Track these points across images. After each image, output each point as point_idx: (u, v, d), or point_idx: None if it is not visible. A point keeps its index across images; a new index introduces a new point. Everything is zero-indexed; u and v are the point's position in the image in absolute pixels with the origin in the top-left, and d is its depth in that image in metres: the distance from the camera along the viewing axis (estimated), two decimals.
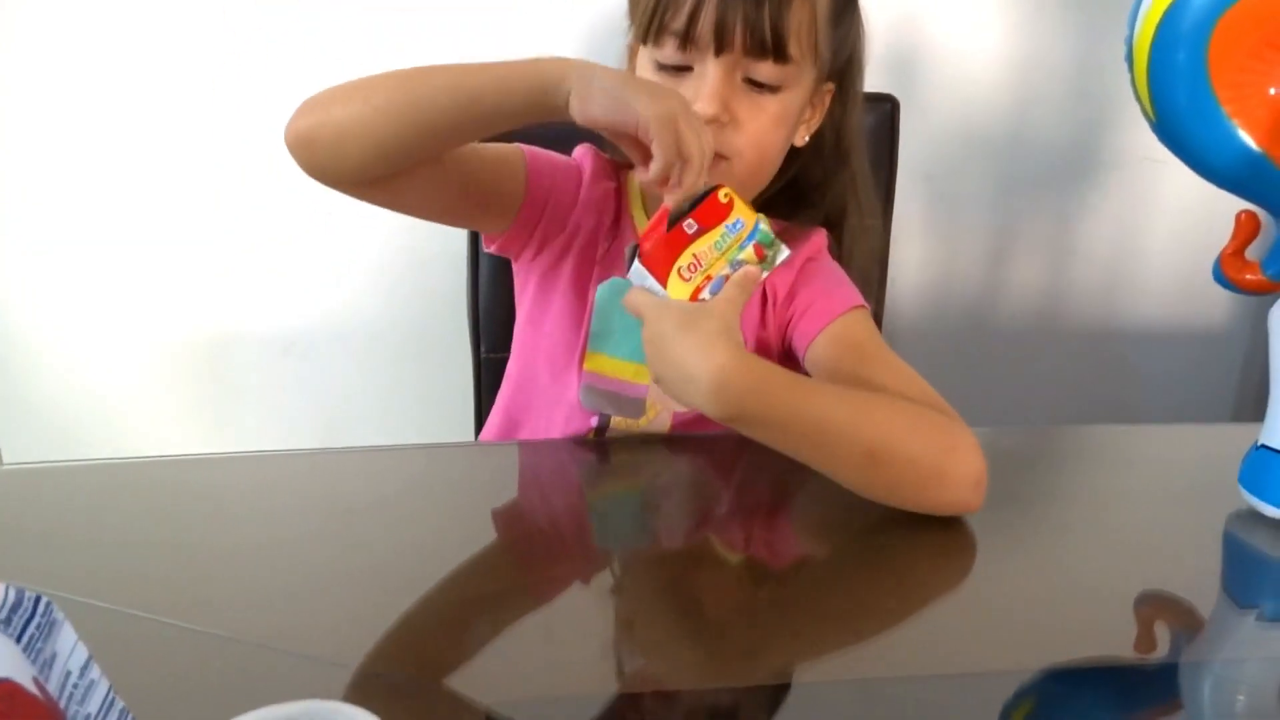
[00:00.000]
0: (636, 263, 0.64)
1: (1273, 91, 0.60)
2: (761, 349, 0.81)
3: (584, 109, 0.63)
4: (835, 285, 0.80)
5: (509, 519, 0.67)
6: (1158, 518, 0.68)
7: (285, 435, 1.39)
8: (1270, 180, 0.61)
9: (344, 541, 0.61)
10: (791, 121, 0.76)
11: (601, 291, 0.76)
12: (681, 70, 0.72)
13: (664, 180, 0.64)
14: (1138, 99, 0.64)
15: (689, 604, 0.55)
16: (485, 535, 0.64)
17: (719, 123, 0.71)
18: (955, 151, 1.42)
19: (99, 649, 0.33)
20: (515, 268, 0.86)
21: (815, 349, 0.76)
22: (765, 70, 0.71)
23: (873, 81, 1.33)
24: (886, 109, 1.06)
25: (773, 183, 0.80)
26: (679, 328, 0.60)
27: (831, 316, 0.76)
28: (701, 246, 0.64)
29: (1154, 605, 0.57)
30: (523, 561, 0.61)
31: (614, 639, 0.52)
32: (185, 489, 0.68)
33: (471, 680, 0.46)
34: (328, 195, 1.28)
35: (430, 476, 0.72)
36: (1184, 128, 0.62)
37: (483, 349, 1.07)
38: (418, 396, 1.35)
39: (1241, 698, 0.48)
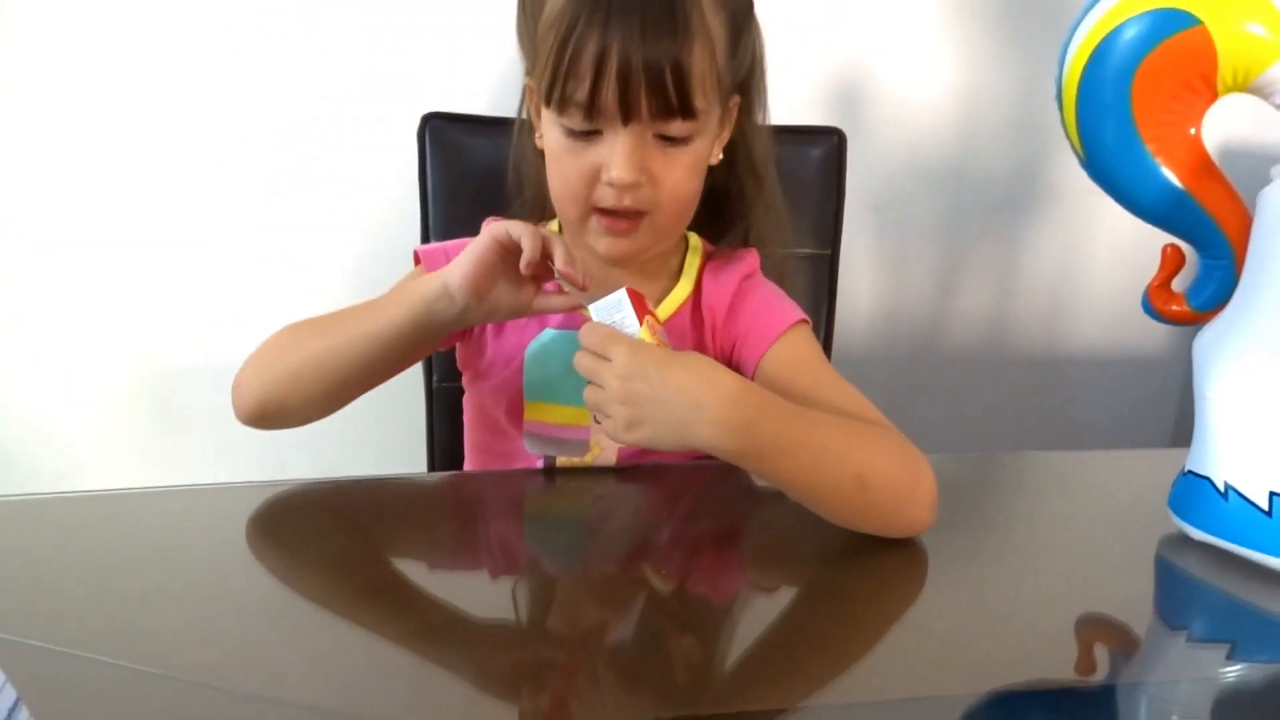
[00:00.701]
0: (619, 295, 0.64)
1: (1193, 131, 0.63)
2: None
3: (458, 283, 0.68)
4: (776, 302, 0.82)
5: (459, 550, 0.67)
6: (1094, 541, 0.69)
7: (235, 467, 1.37)
8: (1192, 216, 0.64)
9: (286, 577, 0.60)
10: (705, 162, 0.77)
11: (532, 347, 0.78)
12: (591, 134, 0.71)
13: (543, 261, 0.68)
14: (1068, 137, 0.67)
15: (629, 636, 0.55)
16: (434, 566, 0.64)
17: (638, 184, 0.71)
18: (902, 183, 1.45)
19: (29, 689, 0.32)
20: None
21: (766, 368, 0.77)
22: (675, 127, 0.71)
23: (820, 115, 1.37)
24: (834, 141, 1.09)
25: None
26: (670, 361, 0.61)
27: (776, 334, 0.78)
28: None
29: (1093, 628, 0.58)
30: (474, 593, 0.61)
31: (547, 674, 0.52)
32: (123, 524, 0.66)
33: (416, 716, 0.46)
34: (279, 229, 1.29)
35: (379, 509, 0.72)
36: (1111, 166, 0.65)
37: (435, 378, 1.07)
38: (370, 427, 1.33)
39: (1175, 718, 0.49)
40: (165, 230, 1.29)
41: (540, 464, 0.79)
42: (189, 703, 0.45)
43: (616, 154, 0.70)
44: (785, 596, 0.61)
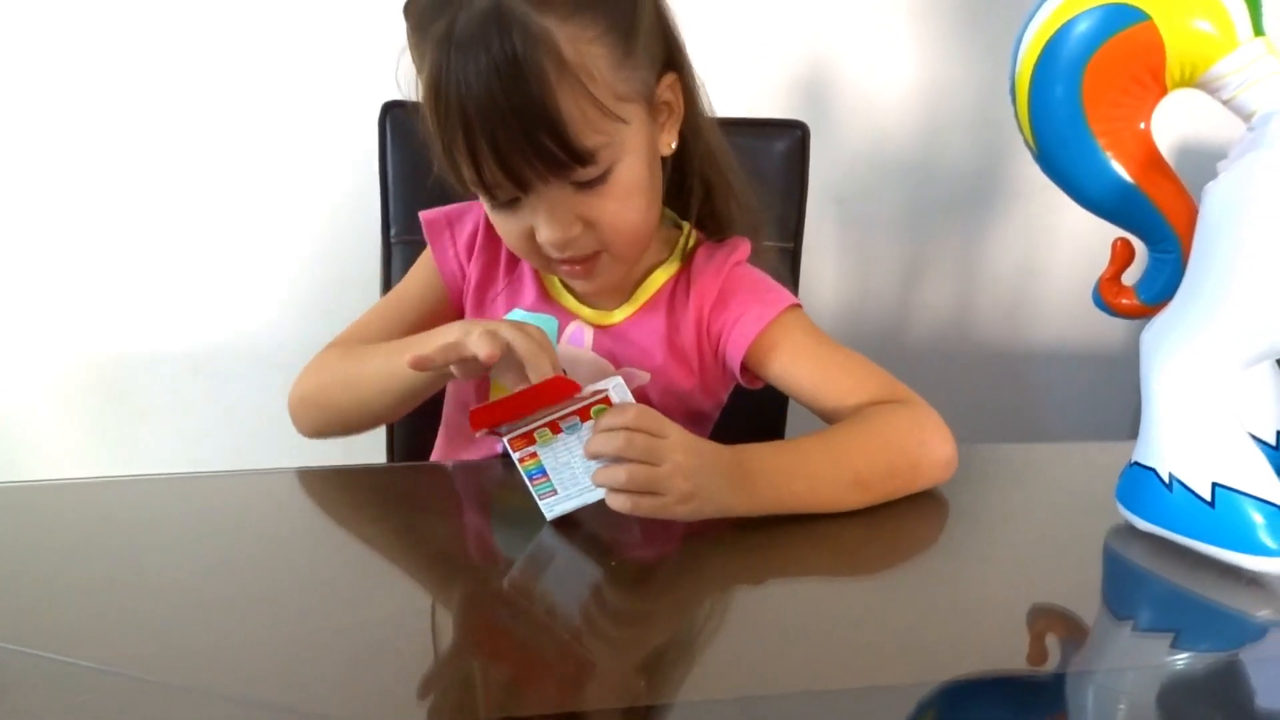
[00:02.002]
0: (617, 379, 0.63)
1: (1142, 126, 0.63)
2: (678, 359, 0.82)
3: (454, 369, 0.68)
4: (765, 289, 0.82)
5: (420, 540, 0.67)
6: (1046, 532, 0.70)
7: (193, 458, 1.35)
8: (1141, 210, 0.64)
9: (245, 568, 0.59)
10: (644, 175, 0.73)
11: (513, 315, 0.77)
12: (513, 202, 0.70)
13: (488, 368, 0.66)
14: (1020, 131, 0.67)
15: (581, 624, 0.55)
16: (394, 558, 0.63)
17: (571, 236, 0.71)
18: (866, 176, 1.46)
19: None
20: None
21: (759, 355, 0.78)
22: (580, 173, 0.68)
23: (784, 107, 1.37)
24: (797, 135, 1.09)
25: None
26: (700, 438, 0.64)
27: (766, 322, 0.78)
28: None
29: (1044, 618, 0.58)
30: (438, 581, 0.61)
31: (491, 665, 0.51)
32: (74, 514, 0.65)
33: (361, 709, 0.46)
34: (238, 217, 1.28)
35: (338, 499, 0.71)
36: (1062, 160, 0.65)
37: None
38: None
39: (1122, 706, 0.50)
40: (122, 217, 1.27)
41: (499, 449, 0.78)
42: (132, 697, 0.45)
43: (539, 217, 0.70)
44: (736, 586, 0.62)
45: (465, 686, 0.48)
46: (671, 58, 0.76)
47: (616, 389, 0.61)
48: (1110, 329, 1.63)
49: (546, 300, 0.83)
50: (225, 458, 1.37)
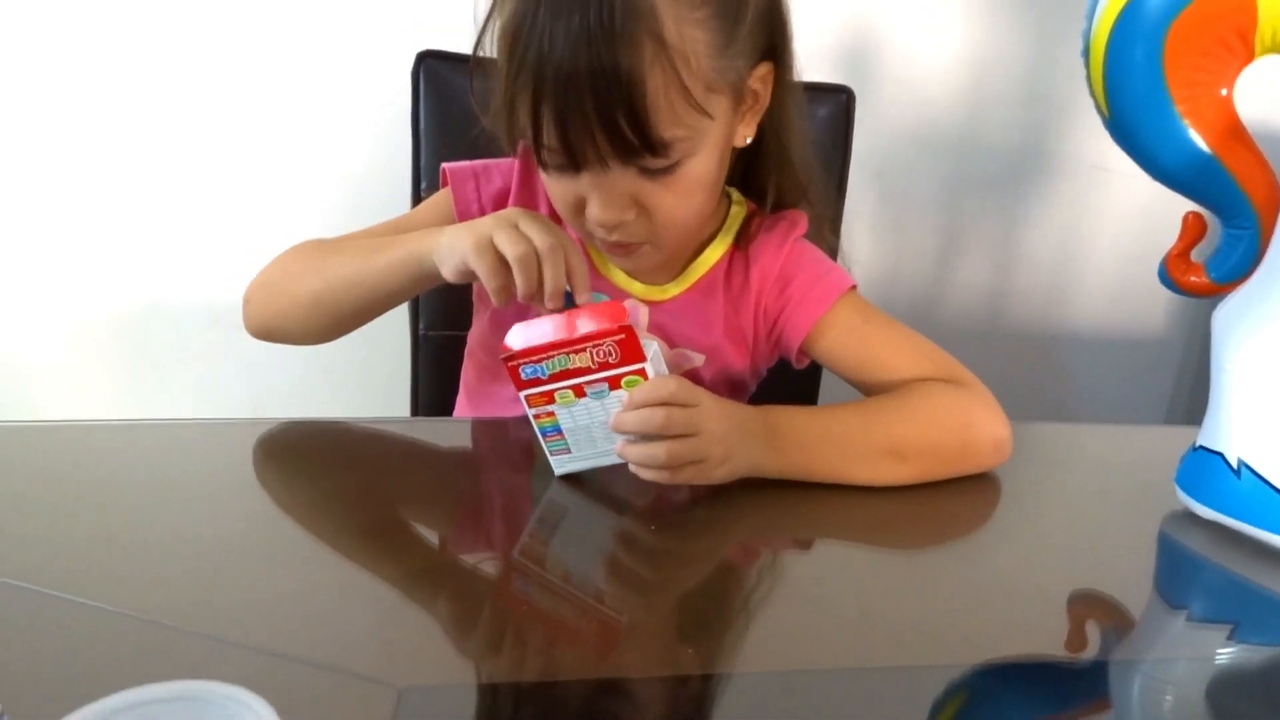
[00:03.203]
0: (653, 347, 0.60)
1: (1224, 92, 0.60)
2: (734, 338, 0.80)
3: (447, 274, 0.64)
4: (824, 270, 0.79)
5: (437, 496, 0.65)
6: (1094, 517, 0.68)
7: (210, 409, 1.34)
8: (1218, 182, 0.61)
9: (260, 518, 0.58)
10: (714, 171, 0.70)
11: None
12: (564, 168, 0.65)
13: (528, 297, 0.62)
14: (1092, 95, 0.64)
15: (629, 589, 0.54)
16: (411, 512, 0.62)
17: (623, 221, 0.67)
18: (906, 149, 1.43)
19: None
20: None
21: (818, 339, 0.77)
22: (651, 162, 0.64)
23: (827, 73, 1.33)
24: (842, 100, 1.05)
25: None
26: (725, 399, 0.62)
27: (827, 304, 0.76)
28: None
29: (1086, 604, 0.56)
30: (446, 540, 0.59)
31: (525, 626, 0.50)
32: (88, 455, 0.64)
33: (384, 665, 0.44)
34: (267, 164, 1.26)
35: (354, 450, 0.70)
36: (1137, 126, 0.62)
37: (422, 326, 1.04)
38: (352, 372, 1.31)
39: (1169, 697, 0.48)
40: (146, 167, 1.25)
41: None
42: (139, 640, 0.43)
43: (591, 195, 0.66)
44: (778, 561, 0.60)
45: (504, 648, 0.46)
46: (773, 47, 0.71)
47: (654, 360, 0.59)
48: (1147, 315, 1.60)
49: (596, 275, 0.79)
50: (243, 409, 1.36)
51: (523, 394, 0.61)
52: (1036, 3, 1.39)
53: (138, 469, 0.63)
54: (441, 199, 0.81)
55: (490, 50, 0.64)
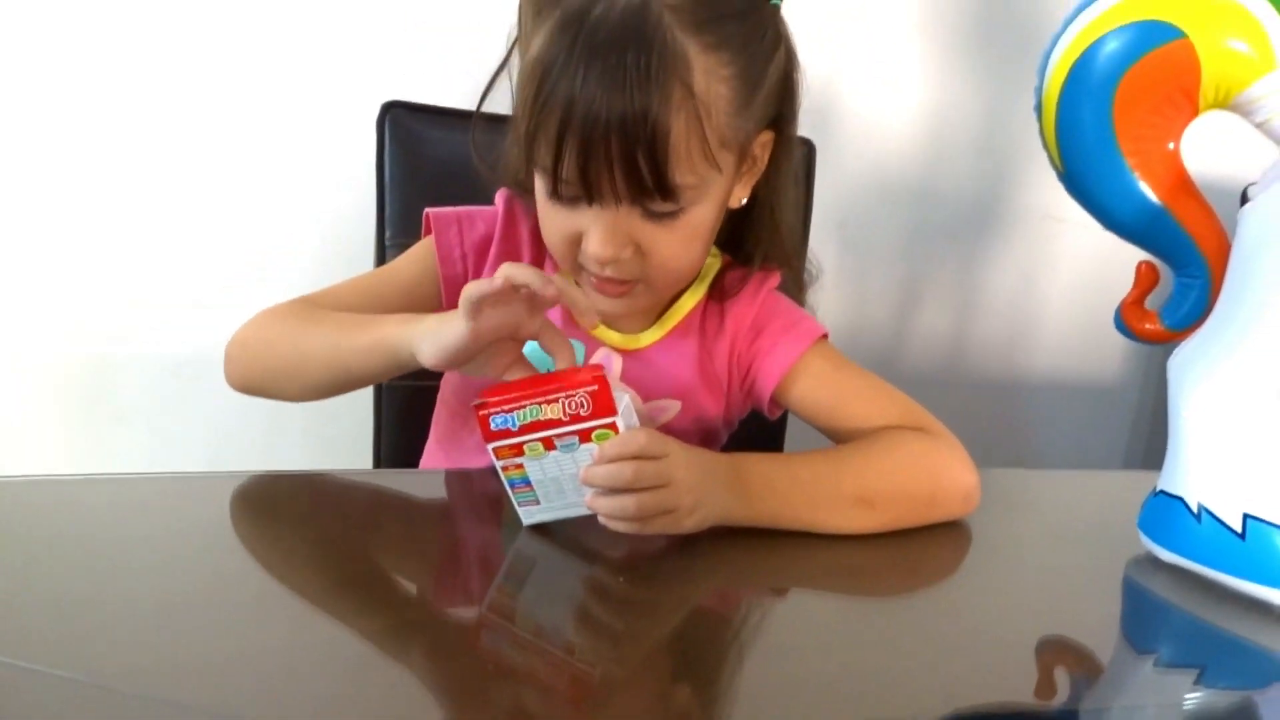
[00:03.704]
0: (624, 399, 0.60)
1: (1171, 146, 0.62)
2: (709, 385, 0.80)
3: (430, 363, 0.64)
4: (796, 319, 0.80)
5: (408, 550, 0.63)
6: (1060, 562, 0.68)
7: (170, 461, 1.31)
8: (1169, 232, 0.63)
9: (218, 575, 0.56)
10: (710, 225, 0.72)
11: (526, 349, 0.74)
12: (573, 200, 0.67)
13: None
14: (1046, 150, 0.66)
15: (598, 644, 0.53)
16: (384, 569, 0.60)
17: (619, 259, 0.68)
18: (868, 200, 1.45)
19: None
20: None
21: (789, 387, 0.77)
22: (658, 205, 0.66)
23: None
24: (804, 152, 1.08)
25: None
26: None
27: (799, 352, 0.77)
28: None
29: (1054, 650, 0.56)
30: (419, 596, 0.58)
31: (496, 683, 0.49)
32: (43, 511, 0.62)
33: None
34: (227, 215, 1.24)
35: (323, 503, 0.68)
36: (1089, 179, 0.64)
37: None
38: (314, 424, 1.28)
39: None
40: (105, 217, 1.23)
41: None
42: (96, 707, 0.41)
43: (593, 229, 0.67)
44: (749, 612, 0.59)
45: (469, 707, 0.45)
46: (780, 117, 0.74)
47: (625, 413, 0.58)
48: (1105, 361, 1.63)
49: (571, 323, 0.79)
50: (202, 462, 1.33)
51: (490, 446, 0.60)
52: (991, 59, 1.43)
53: (95, 525, 0.61)
54: (424, 247, 0.81)
55: (494, 105, 0.67)
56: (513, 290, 0.60)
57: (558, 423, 0.58)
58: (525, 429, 0.59)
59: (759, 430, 0.95)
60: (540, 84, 0.62)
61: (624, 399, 0.59)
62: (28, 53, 1.16)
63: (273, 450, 1.29)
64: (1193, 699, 0.51)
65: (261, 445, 1.29)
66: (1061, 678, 0.53)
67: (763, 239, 0.80)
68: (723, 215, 0.74)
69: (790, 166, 0.79)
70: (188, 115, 1.22)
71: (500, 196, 0.81)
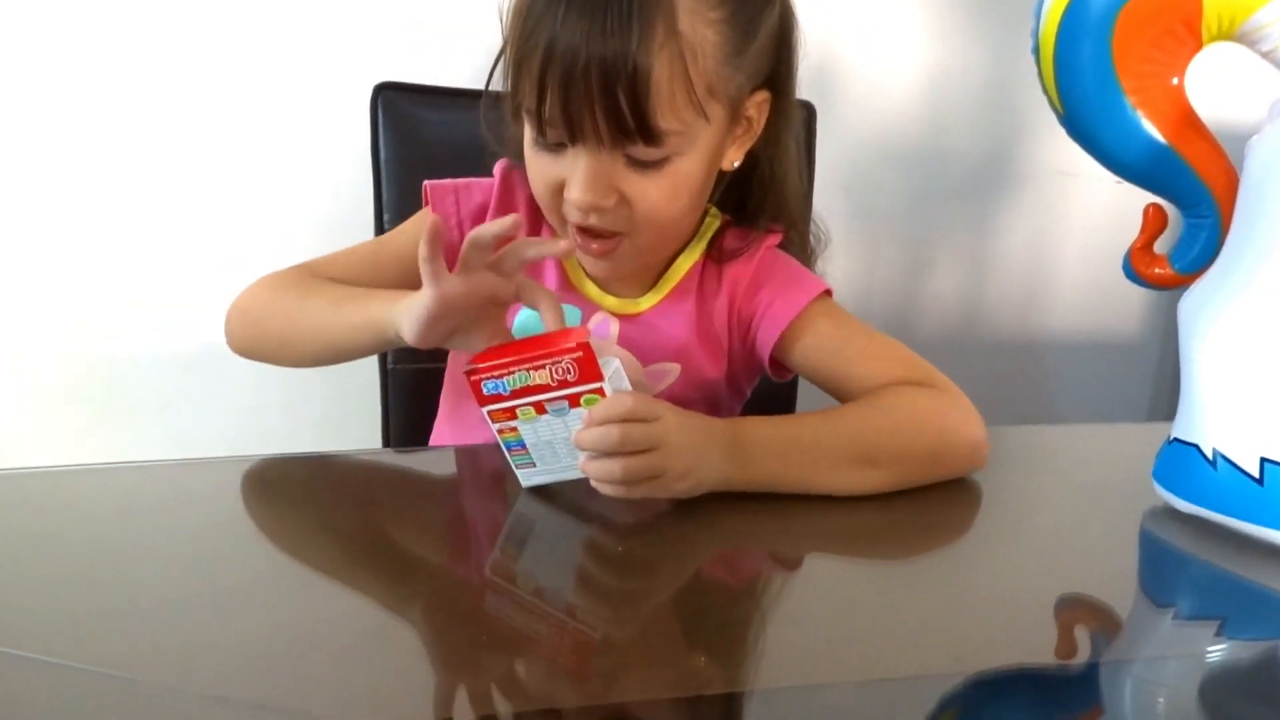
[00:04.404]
0: (614, 364, 0.60)
1: (1175, 82, 0.60)
2: (709, 348, 0.79)
3: (411, 339, 0.63)
4: (797, 276, 0.79)
5: (418, 527, 0.63)
6: (1075, 517, 0.67)
7: (183, 456, 1.32)
8: (1175, 172, 0.61)
9: (228, 558, 0.56)
10: (698, 179, 0.70)
11: (524, 314, 0.74)
12: (558, 147, 0.67)
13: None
14: (1045, 93, 0.64)
15: (601, 612, 0.52)
16: (390, 546, 0.59)
17: (602, 207, 0.67)
18: (873, 164, 1.43)
19: None
20: None
21: (790, 344, 0.76)
22: (640, 151, 0.65)
23: None
24: (804, 116, 1.06)
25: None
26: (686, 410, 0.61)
27: (797, 309, 0.75)
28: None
29: (1073, 608, 0.55)
30: (438, 571, 0.57)
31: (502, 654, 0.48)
32: (50, 502, 0.62)
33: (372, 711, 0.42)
34: (230, 208, 1.25)
35: (332, 485, 0.68)
36: (1091, 120, 0.62)
37: (390, 360, 1.02)
38: (323, 412, 1.29)
39: (1161, 699, 0.47)
40: (111, 214, 1.24)
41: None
42: (107, 695, 0.41)
43: (575, 173, 0.66)
44: (761, 576, 0.59)
45: (478, 679, 0.45)
46: (774, 78, 0.73)
47: (614, 377, 0.58)
48: (1125, 315, 1.60)
49: (568, 288, 0.79)
50: (218, 452, 1.33)
51: (485, 409, 0.60)
52: (994, 13, 1.40)
53: (109, 513, 0.61)
54: (421, 216, 0.82)
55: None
56: (476, 251, 0.60)
57: (546, 388, 0.58)
58: (516, 394, 0.59)
59: (770, 399, 0.94)
60: (524, 23, 0.63)
61: (614, 363, 0.59)
62: (27, 49, 1.16)
63: (283, 443, 1.30)
64: (1215, 650, 0.50)
65: (272, 439, 1.30)
66: (1081, 635, 0.52)
67: (766, 202, 0.80)
68: (714, 174, 0.73)
69: (790, 129, 0.78)
70: (184, 113, 1.22)
71: (498, 167, 0.81)
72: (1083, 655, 0.50)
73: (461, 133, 0.86)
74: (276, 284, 0.76)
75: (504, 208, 0.80)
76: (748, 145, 0.75)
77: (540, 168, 0.70)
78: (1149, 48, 0.59)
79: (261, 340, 0.76)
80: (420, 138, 1.00)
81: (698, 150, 0.68)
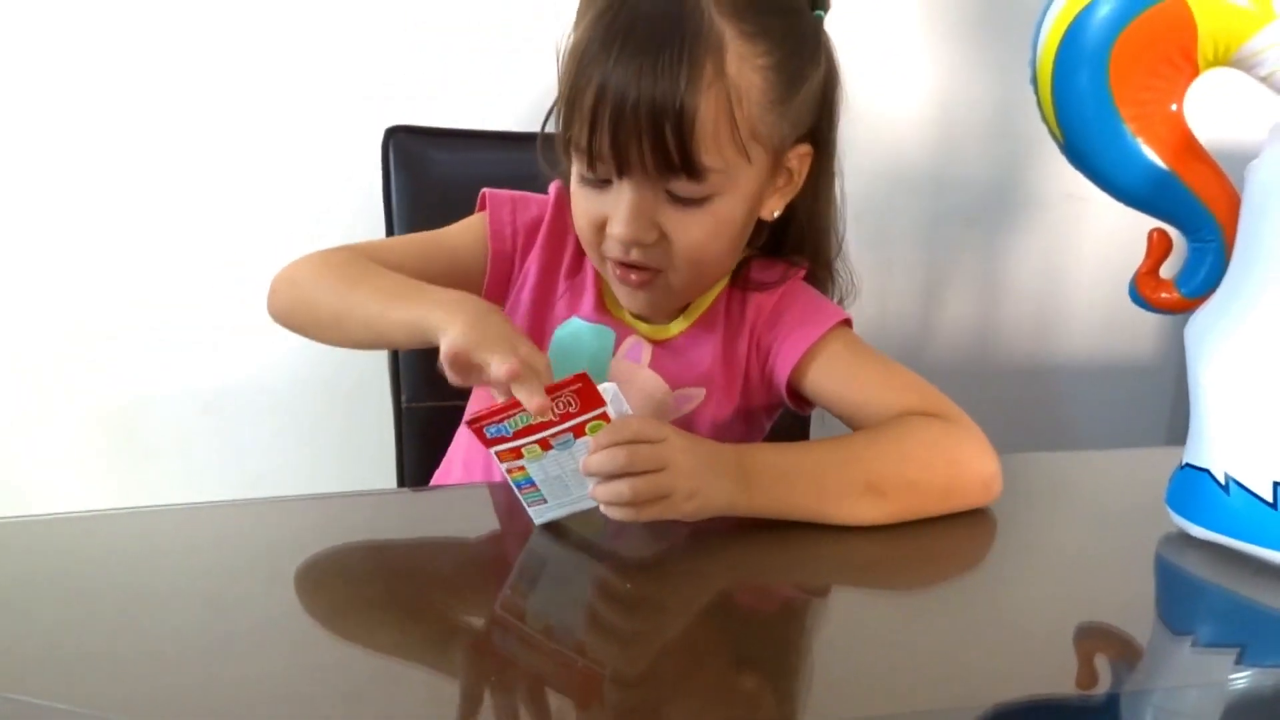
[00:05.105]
0: (613, 389, 0.60)
1: (1174, 108, 0.60)
2: (732, 376, 0.80)
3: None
4: (817, 306, 0.79)
5: (432, 566, 0.63)
6: (1090, 545, 0.66)
7: (202, 496, 1.33)
8: (1177, 197, 0.61)
9: (245, 599, 0.56)
10: (738, 221, 0.72)
11: (562, 331, 0.75)
12: (603, 183, 0.69)
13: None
14: (1045, 121, 0.64)
15: (609, 650, 0.52)
16: (407, 585, 0.60)
17: (643, 242, 0.69)
18: (883, 192, 1.43)
19: None
20: None
21: (805, 373, 0.76)
22: (682, 186, 0.67)
23: None
24: None
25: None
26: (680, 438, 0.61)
27: (815, 337, 0.76)
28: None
29: (1091, 637, 0.55)
30: (440, 610, 0.57)
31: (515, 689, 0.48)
32: (69, 548, 0.63)
33: None
34: (248, 249, 1.27)
35: (349, 525, 0.68)
36: (1090, 148, 0.62)
37: (404, 399, 1.03)
38: (339, 451, 1.30)
39: None
40: (131, 256, 1.25)
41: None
42: None
43: (619, 207, 0.68)
44: (770, 609, 0.58)
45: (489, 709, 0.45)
46: (817, 133, 0.76)
47: (614, 402, 0.59)
48: (1139, 338, 1.59)
49: (604, 311, 0.80)
50: (235, 495, 1.34)
51: (492, 450, 0.61)
52: (1000, 41, 1.41)
53: (127, 558, 0.62)
54: (477, 220, 0.83)
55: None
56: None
57: (549, 424, 0.58)
58: (519, 434, 0.59)
59: (783, 436, 0.94)
60: (579, 63, 0.66)
61: (611, 388, 0.59)
62: (48, 100, 1.19)
63: (302, 484, 1.31)
64: (1236, 678, 0.50)
65: (291, 480, 1.30)
66: (1101, 664, 0.51)
67: (801, 249, 0.82)
68: (753, 220, 0.75)
69: (831, 184, 0.80)
70: (201, 154, 1.24)
71: (553, 186, 0.83)
72: (1103, 685, 0.49)
73: (471, 173, 0.88)
74: (330, 263, 0.76)
75: (557, 223, 0.81)
76: (789, 197, 0.76)
77: (585, 204, 0.71)
78: (1146, 75, 0.59)
79: (308, 315, 0.76)
80: (432, 178, 1.02)
81: (739, 192, 0.70)
